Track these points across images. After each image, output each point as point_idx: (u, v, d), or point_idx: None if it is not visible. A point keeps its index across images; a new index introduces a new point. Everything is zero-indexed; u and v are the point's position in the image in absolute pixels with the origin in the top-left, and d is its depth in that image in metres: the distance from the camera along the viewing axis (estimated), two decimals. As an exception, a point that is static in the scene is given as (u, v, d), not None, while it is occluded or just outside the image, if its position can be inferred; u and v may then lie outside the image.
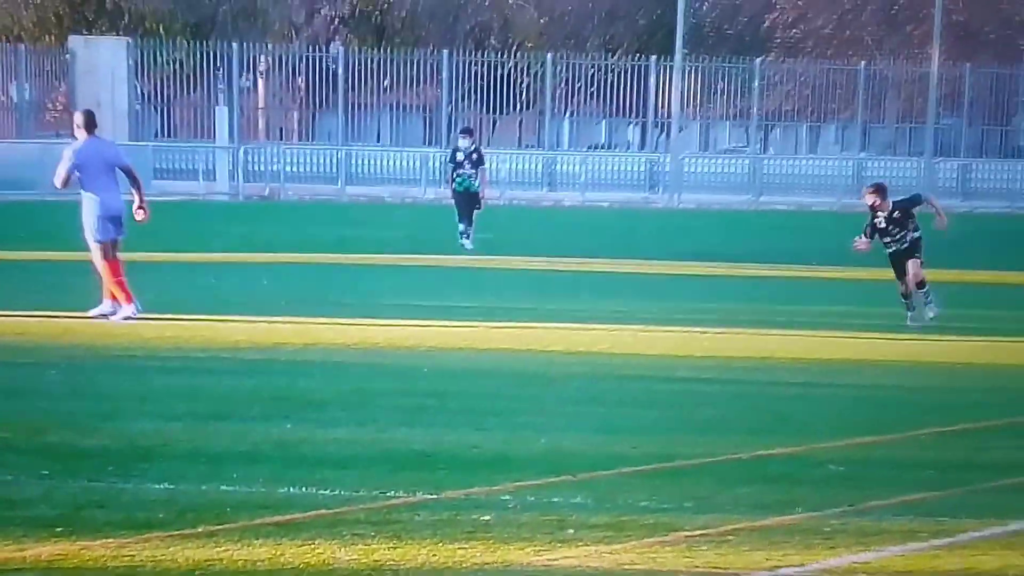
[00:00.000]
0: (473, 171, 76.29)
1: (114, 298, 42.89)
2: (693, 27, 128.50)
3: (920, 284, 44.97)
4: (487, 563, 19.55)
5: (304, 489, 23.40)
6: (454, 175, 77.38)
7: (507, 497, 22.97)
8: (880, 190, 46.03)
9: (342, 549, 20.14)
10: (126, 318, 42.70)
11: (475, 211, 76.09)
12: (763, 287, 59.22)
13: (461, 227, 75.07)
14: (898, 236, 44.74)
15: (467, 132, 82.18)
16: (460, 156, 77.56)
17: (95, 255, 43.20)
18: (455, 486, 23.59)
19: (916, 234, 45.63)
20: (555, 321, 45.87)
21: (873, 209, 44.90)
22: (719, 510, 22.43)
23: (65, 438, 27.25)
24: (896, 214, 43.97)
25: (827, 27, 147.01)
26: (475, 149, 78.62)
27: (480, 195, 76.67)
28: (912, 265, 44.64)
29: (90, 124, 44.06)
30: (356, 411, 30.78)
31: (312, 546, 20.27)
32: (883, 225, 44.07)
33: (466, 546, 20.25)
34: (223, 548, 20.11)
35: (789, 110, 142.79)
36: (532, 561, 19.70)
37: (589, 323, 45.74)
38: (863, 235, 45.99)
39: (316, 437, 27.62)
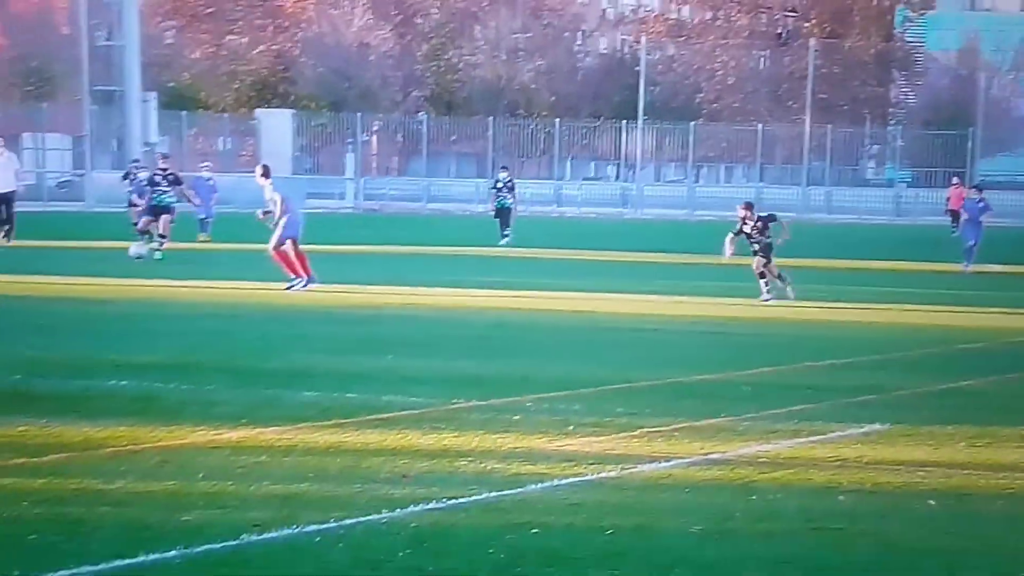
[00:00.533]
0: (508, 194, 76.66)
1: (296, 272, 42.21)
2: (649, 102, 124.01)
3: (762, 275, 43.79)
4: (516, 447, 19.44)
5: (399, 397, 23.22)
6: (496, 197, 77.63)
7: (529, 404, 22.93)
8: (749, 206, 45.94)
9: (422, 436, 20.05)
10: (304, 287, 41.97)
11: (509, 221, 75.95)
12: (693, 270, 57.91)
13: (502, 231, 74.74)
14: (756, 239, 44.33)
15: (504, 168, 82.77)
16: (500, 184, 78.25)
17: (289, 248, 42.88)
18: (496, 396, 23.45)
19: (768, 240, 44.77)
20: (561, 291, 45.91)
21: (743, 220, 44.77)
22: (669, 415, 22.15)
23: (248, 363, 27.36)
24: (758, 223, 44.05)
25: (735, 102, 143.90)
26: (510, 180, 78.77)
27: (512, 210, 76.91)
28: (760, 262, 44.03)
29: (267, 173, 44.28)
30: (431, 347, 30.69)
31: (403, 434, 20.15)
32: (748, 231, 44.20)
33: (504, 436, 20.14)
34: (347, 435, 20.01)
35: (712, 155, 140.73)
36: (545, 447, 19.56)
37: (584, 292, 45.60)
38: (732, 234, 45.14)
39: (406, 364, 27.45)
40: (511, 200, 77.01)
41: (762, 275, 43.81)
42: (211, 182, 69.45)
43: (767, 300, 43.12)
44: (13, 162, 63.08)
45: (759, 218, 45.36)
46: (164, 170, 56.73)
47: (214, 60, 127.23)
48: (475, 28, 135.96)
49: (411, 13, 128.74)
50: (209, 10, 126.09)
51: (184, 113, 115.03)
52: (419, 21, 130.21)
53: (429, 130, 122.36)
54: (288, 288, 42.39)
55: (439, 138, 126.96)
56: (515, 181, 79.93)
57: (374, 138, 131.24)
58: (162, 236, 54.24)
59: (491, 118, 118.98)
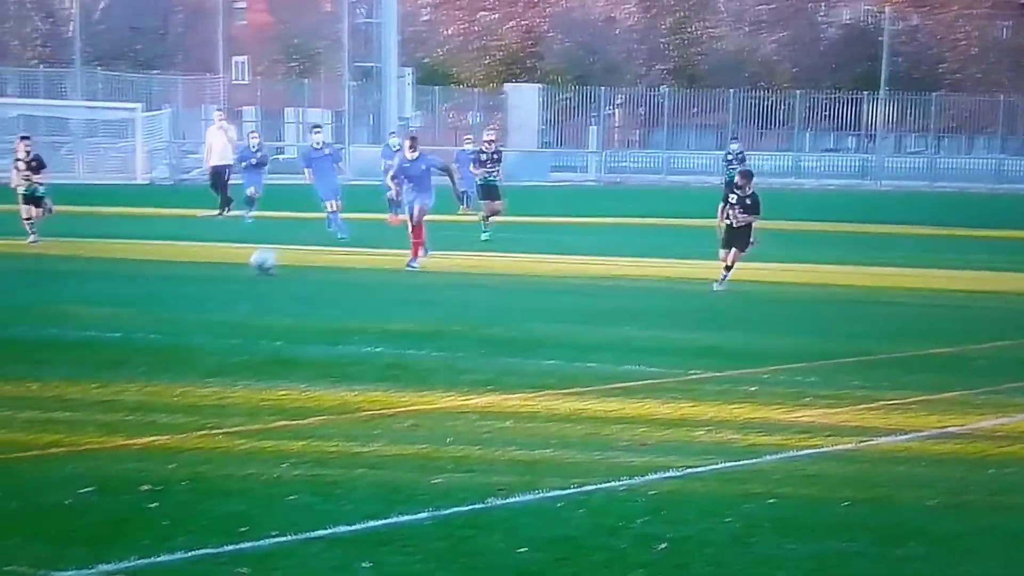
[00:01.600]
0: (738, 165, 66.88)
1: (417, 251, 39.91)
2: (891, 73, 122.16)
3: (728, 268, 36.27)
4: (752, 418, 19.47)
5: (637, 367, 23.30)
6: (727, 168, 73.56)
7: (765, 375, 23.03)
8: (748, 176, 38.50)
9: (660, 406, 20.05)
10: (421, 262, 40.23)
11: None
12: (934, 242, 56.55)
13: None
14: (741, 220, 36.60)
15: (735, 139, 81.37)
16: (730, 156, 75.46)
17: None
18: (732, 368, 23.58)
19: (748, 223, 37.11)
20: (795, 263, 44.95)
21: (737, 187, 38.17)
22: (905, 388, 22.30)
23: (492, 332, 27.60)
24: (748, 200, 36.76)
25: (978, 73, 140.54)
26: (741, 151, 76.21)
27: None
28: (735, 255, 36.30)
29: (413, 146, 41.79)
30: (668, 318, 30.68)
31: (641, 403, 20.20)
32: (734, 202, 36.85)
33: (740, 407, 20.18)
34: (587, 402, 20.07)
35: (954, 126, 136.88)
36: (781, 418, 19.63)
37: (818, 264, 44.93)
38: (723, 204, 37.89)
39: (643, 335, 27.50)
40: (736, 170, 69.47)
41: (727, 268, 36.37)
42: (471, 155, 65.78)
43: (719, 289, 35.90)
44: (229, 134, 63.16)
45: (752, 196, 37.93)
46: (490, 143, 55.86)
47: (466, 36, 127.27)
48: (718, 1, 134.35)
49: None
50: None
51: (437, 88, 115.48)
52: None
53: (671, 103, 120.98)
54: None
55: (680, 111, 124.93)
56: (748, 153, 78.79)
57: (617, 111, 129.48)
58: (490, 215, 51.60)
59: (731, 91, 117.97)
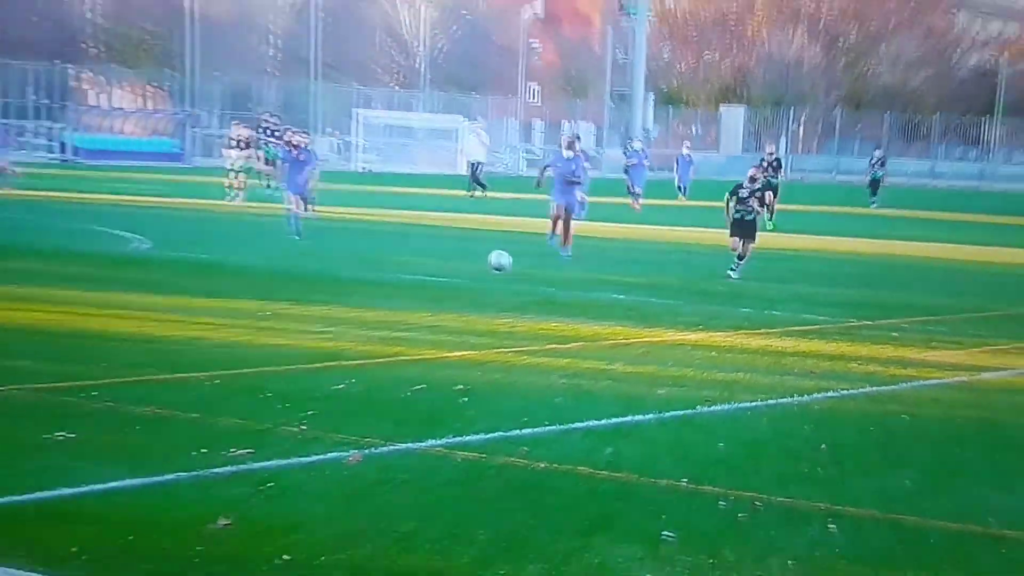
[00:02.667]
0: (879, 169, 62.90)
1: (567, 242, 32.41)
2: (1005, 102, 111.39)
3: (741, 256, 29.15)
4: (893, 356, 19.38)
5: (810, 315, 23.27)
6: (870, 170, 64.04)
7: (905, 325, 22.79)
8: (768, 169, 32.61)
9: (825, 345, 20.09)
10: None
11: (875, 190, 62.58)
12: None
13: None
14: (750, 208, 29.59)
15: (878, 147, 71.66)
16: (873, 160, 65.22)
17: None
18: (881, 318, 23.41)
19: (755, 214, 30.30)
20: (926, 241, 42.34)
21: (750, 179, 30.27)
22: (1016, 338, 22.09)
23: (702, 286, 27.59)
24: (757, 193, 30.16)
25: None
26: (882, 156, 65.99)
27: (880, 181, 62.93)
28: (746, 245, 29.17)
29: (571, 146, 34.33)
30: (834, 279, 30.48)
31: (811, 342, 20.22)
32: (744, 195, 29.58)
33: (884, 347, 20.13)
34: (772, 341, 20.21)
35: None
36: (914, 356, 19.54)
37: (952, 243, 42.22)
38: (728, 194, 30.58)
39: (815, 291, 27.55)
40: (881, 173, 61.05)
41: (738, 257, 29.59)
42: (689, 157, 64.83)
43: (733, 278, 29.02)
44: (482, 139, 62.36)
45: (762, 188, 31.67)
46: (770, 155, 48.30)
47: (695, 70, 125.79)
48: (880, 46, 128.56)
49: (835, 35, 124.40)
50: (695, 35, 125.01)
51: (670, 107, 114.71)
52: (840, 41, 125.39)
53: (841, 121, 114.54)
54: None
55: (848, 127, 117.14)
56: (895, 159, 74.56)
57: (801, 127, 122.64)
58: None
59: (886, 112, 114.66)
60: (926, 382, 17.44)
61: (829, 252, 38.21)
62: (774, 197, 41.62)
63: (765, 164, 42.47)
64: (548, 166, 35.04)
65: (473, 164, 60.52)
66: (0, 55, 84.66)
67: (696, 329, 21.19)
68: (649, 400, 15.21)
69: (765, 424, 14.59)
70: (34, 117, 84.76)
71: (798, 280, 29.87)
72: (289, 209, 34.36)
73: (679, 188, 60.71)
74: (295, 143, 36.02)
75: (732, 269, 28.93)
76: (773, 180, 42.50)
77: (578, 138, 40.18)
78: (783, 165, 45.00)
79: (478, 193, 58.30)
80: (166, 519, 9.93)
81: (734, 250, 28.96)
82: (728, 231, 29.61)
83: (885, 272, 33.38)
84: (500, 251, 25.77)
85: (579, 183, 34.06)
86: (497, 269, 25.68)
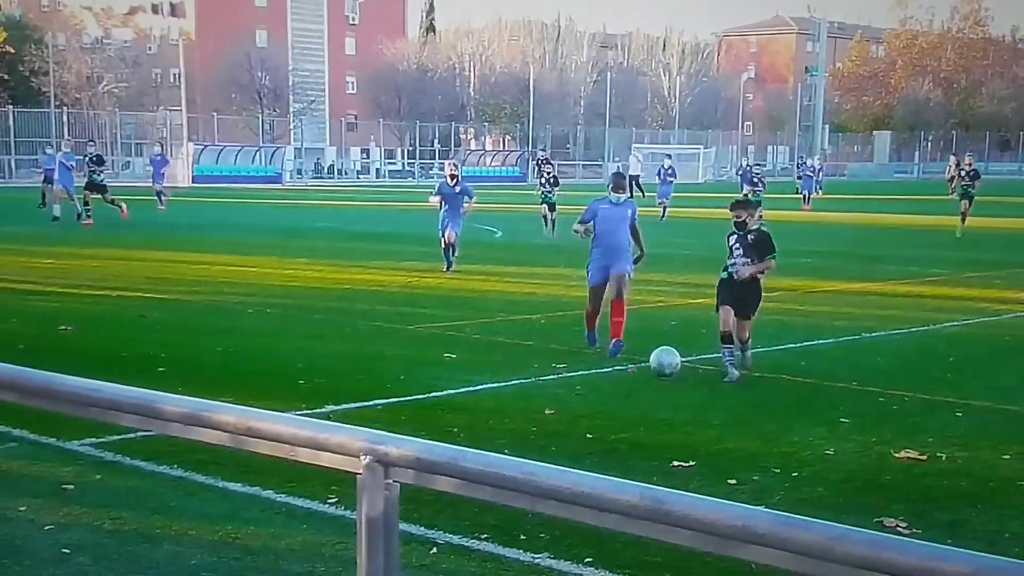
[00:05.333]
0: (968, 181, 46.44)
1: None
2: None
3: (727, 338, 11.73)
4: (982, 297, 18.42)
5: (935, 271, 22.16)
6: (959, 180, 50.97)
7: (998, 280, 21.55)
8: (743, 205, 12.54)
9: (950, 289, 19.11)
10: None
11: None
12: None
13: None
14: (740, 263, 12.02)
15: (970, 154, 54.89)
16: (962, 170, 48.82)
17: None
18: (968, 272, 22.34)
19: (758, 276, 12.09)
20: None
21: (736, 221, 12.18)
22: None
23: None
24: (750, 237, 12.08)
25: None
26: (973, 168, 48.28)
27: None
28: (743, 326, 11.93)
29: (618, 187, 14.17)
30: (951, 247, 29.32)
31: (940, 288, 19.23)
32: (731, 243, 12.25)
33: (988, 291, 19.07)
34: (913, 288, 19.39)
35: None
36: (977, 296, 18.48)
37: None
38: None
39: (936, 255, 26.32)
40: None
41: (727, 338, 11.72)
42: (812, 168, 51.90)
43: (733, 380, 11.42)
44: (639, 158, 59.60)
45: (758, 232, 12.14)
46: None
47: (855, 109, 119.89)
48: (981, 88, 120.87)
49: (951, 81, 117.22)
50: (855, 86, 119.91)
51: (839, 135, 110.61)
52: (954, 85, 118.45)
53: (952, 138, 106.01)
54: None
55: (956, 144, 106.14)
56: (990, 164, 64.95)
57: (928, 144, 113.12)
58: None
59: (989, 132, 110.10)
60: (1020, 314, 16.73)
61: (944, 226, 35.91)
62: (969, 205, 32.29)
63: (963, 173, 33.78)
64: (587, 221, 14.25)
65: (634, 176, 53.68)
66: (414, 120, 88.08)
67: (858, 281, 20.60)
68: (828, 329, 14.91)
69: (910, 344, 14.19)
70: (438, 158, 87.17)
71: (924, 246, 28.87)
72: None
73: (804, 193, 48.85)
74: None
75: (728, 366, 11.64)
76: (971, 190, 32.58)
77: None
78: (979, 174, 33.98)
79: (638, 195, 53.60)
80: (513, 409, 10.00)
81: (724, 331, 11.81)
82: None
83: (986, 239, 31.53)
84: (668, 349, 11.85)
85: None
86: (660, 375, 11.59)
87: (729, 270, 11.88)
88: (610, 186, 13.25)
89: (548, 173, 31.96)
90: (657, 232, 31.94)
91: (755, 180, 39.04)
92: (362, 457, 2.89)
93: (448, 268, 20.65)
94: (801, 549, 2.50)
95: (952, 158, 43.21)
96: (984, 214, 35.71)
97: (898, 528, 6.75)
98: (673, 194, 38.49)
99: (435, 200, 20.96)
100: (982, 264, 23.82)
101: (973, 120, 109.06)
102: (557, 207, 30.32)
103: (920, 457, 8.40)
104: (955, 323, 15.75)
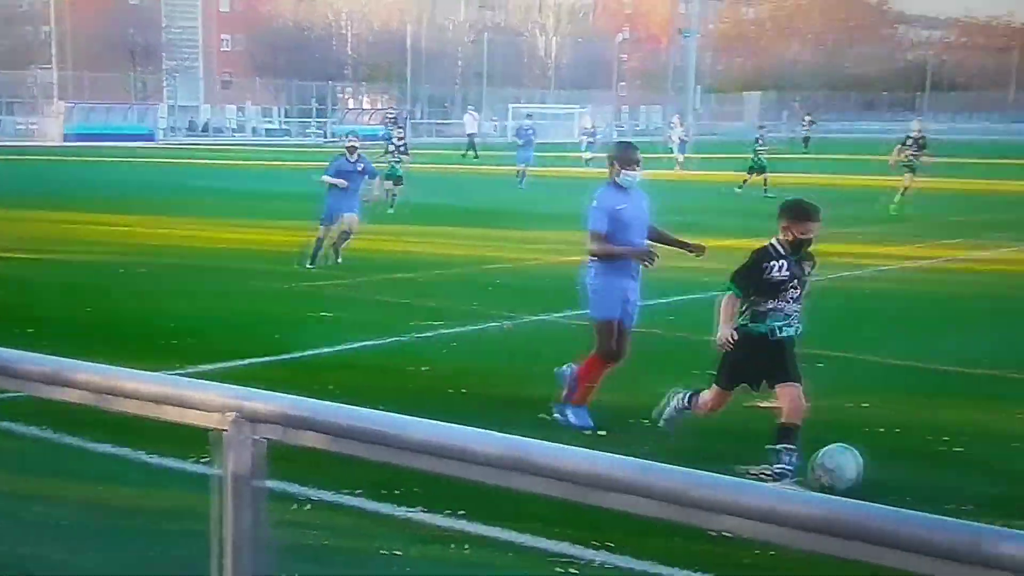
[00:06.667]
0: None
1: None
2: None
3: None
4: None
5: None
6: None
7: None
8: (803, 215, 7.18)
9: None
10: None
11: None
12: None
13: None
14: (791, 299, 7.16)
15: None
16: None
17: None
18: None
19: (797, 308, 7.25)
20: None
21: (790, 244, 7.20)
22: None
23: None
24: (804, 263, 7.35)
25: None
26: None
27: None
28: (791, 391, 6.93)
29: (630, 161, 8.32)
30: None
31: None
32: (781, 277, 7.09)
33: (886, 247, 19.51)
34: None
35: None
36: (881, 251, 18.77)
37: None
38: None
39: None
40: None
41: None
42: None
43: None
44: (474, 117, 57.65)
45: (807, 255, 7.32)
46: None
47: (727, 70, 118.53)
48: (847, 49, 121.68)
49: (818, 43, 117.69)
50: (726, 47, 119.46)
51: (711, 95, 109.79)
52: (822, 47, 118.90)
53: (819, 98, 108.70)
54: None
55: (824, 104, 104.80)
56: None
57: (798, 104, 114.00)
58: None
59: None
60: (880, 267, 16.93)
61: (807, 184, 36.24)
62: (912, 179, 27.02)
63: (910, 141, 27.58)
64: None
65: (471, 134, 53.67)
66: (291, 78, 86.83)
67: (730, 238, 20.70)
68: (699, 284, 14.87)
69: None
70: (315, 116, 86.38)
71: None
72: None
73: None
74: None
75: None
76: (915, 162, 27.10)
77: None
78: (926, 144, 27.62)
79: (470, 154, 51.04)
80: (390, 366, 9.98)
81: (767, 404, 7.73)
82: (720, 372, 7.54)
83: (848, 197, 30.56)
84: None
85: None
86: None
87: (774, 324, 7.12)
88: (616, 164, 8.23)
89: (398, 139, 26.43)
90: (521, 192, 32.05)
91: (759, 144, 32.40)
92: (228, 414, 2.85)
93: (313, 263, 16.04)
94: (661, 495, 2.55)
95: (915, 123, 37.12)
96: (849, 172, 35.98)
97: (761, 475, 6.85)
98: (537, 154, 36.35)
99: (332, 180, 16.15)
100: (843, 220, 24.03)
101: (840, 81, 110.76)
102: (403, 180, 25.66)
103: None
104: (815, 277, 15.84)
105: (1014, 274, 16.76)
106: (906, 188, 26.34)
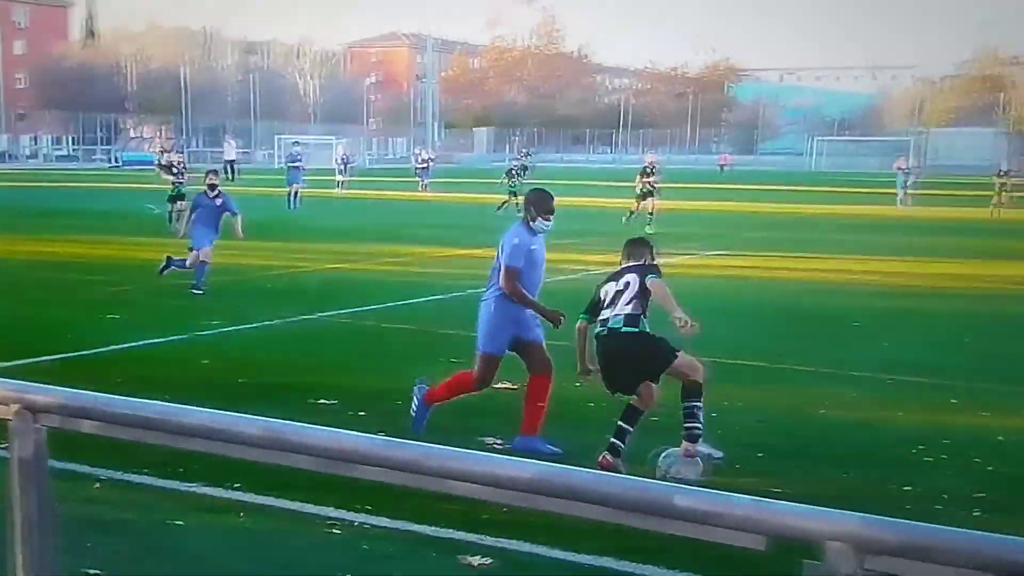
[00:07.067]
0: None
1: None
2: None
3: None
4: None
5: None
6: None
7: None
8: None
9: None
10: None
11: None
12: None
13: None
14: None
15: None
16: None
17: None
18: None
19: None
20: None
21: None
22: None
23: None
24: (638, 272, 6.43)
25: None
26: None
27: None
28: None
29: (548, 211, 7.43)
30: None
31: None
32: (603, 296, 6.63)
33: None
34: None
35: None
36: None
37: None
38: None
39: None
40: None
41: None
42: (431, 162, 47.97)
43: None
44: (232, 145, 54.45)
45: (646, 266, 6.47)
46: None
47: (464, 110, 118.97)
48: (558, 93, 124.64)
49: (533, 88, 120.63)
50: (458, 91, 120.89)
51: (448, 130, 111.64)
52: (537, 91, 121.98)
53: (536, 135, 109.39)
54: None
55: (541, 139, 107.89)
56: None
57: (518, 139, 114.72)
58: None
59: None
60: (593, 271, 17.12)
61: None
62: (652, 203, 25.80)
63: (647, 170, 26.01)
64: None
65: (230, 160, 50.10)
66: (79, 111, 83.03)
67: (458, 248, 20.78)
68: (440, 286, 14.86)
69: None
70: (101, 144, 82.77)
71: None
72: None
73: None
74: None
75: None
76: (652, 187, 25.84)
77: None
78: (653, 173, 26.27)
79: (228, 178, 45.85)
80: (173, 361, 9.56)
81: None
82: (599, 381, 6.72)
83: (572, 215, 32.11)
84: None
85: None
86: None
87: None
88: (532, 209, 7.45)
89: (178, 163, 23.97)
90: (295, 213, 31.37)
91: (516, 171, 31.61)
92: (11, 405, 2.74)
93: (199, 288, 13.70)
94: (399, 466, 2.59)
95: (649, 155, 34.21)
96: (570, 195, 36.66)
97: (495, 445, 6.86)
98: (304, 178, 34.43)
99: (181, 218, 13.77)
100: (564, 234, 24.28)
101: (553, 120, 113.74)
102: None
103: (513, 387, 8.62)
104: (547, 280, 16.05)
105: (695, 276, 17.41)
106: (652, 210, 25.31)
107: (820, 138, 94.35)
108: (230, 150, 53.36)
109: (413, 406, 7.32)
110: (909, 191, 36.03)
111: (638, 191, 25.79)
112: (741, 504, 2.57)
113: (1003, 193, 31.60)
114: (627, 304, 6.39)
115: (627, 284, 6.48)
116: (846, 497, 5.93)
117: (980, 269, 18.41)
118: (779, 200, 39.92)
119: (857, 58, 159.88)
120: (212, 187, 14.09)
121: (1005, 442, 7.36)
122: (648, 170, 25.93)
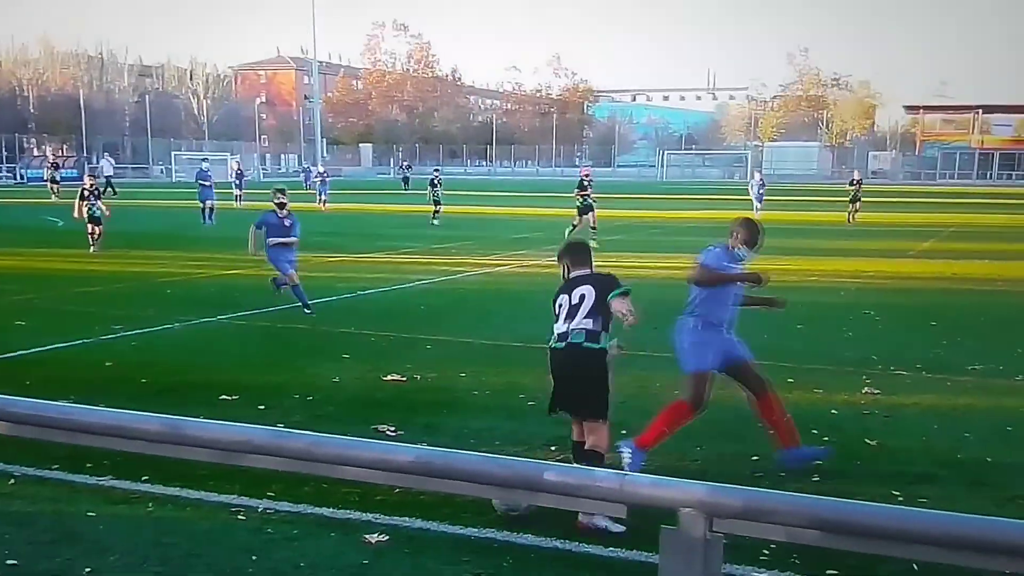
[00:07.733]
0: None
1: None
2: None
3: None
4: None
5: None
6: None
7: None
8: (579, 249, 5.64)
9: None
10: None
11: None
12: None
13: None
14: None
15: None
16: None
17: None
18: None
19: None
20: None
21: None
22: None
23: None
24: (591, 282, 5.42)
25: None
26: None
27: None
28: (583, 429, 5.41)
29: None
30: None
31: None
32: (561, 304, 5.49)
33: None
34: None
35: None
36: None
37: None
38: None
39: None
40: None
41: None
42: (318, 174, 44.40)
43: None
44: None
45: (603, 279, 5.44)
46: None
47: (347, 127, 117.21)
48: (435, 112, 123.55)
49: (412, 108, 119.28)
50: (344, 111, 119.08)
51: (335, 146, 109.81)
52: (416, 110, 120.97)
53: (416, 150, 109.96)
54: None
55: (420, 154, 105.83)
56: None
57: (400, 154, 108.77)
58: None
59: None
60: (468, 272, 17.01)
61: (407, 213, 36.24)
62: (591, 216, 23.39)
63: (585, 182, 23.67)
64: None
65: (108, 176, 48.40)
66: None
67: (355, 253, 20.49)
68: (335, 288, 14.64)
69: (393, 298, 13.88)
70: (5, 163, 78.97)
71: (402, 227, 29.12)
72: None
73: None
74: None
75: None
76: (588, 200, 23.34)
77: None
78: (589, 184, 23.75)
79: (109, 191, 43.00)
80: (78, 363, 9.22)
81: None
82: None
83: (453, 222, 30.27)
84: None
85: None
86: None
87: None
88: (739, 235, 6.41)
89: (91, 186, 21.31)
90: (186, 220, 30.48)
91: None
92: None
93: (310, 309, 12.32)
94: (291, 455, 2.67)
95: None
96: (453, 204, 36.65)
97: (387, 432, 6.79)
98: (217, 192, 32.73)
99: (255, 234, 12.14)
100: (445, 239, 24.18)
101: (431, 136, 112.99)
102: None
103: (402, 379, 8.59)
104: (425, 281, 15.91)
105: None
106: (593, 223, 23.15)
107: (668, 151, 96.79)
108: (108, 167, 53.34)
109: (626, 461, 5.89)
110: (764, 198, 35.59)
111: (578, 203, 23.55)
112: (604, 477, 2.66)
113: (858, 201, 31.35)
114: (586, 318, 5.37)
115: (582, 297, 5.44)
116: (703, 471, 6.09)
117: (822, 265, 18.71)
118: (632, 208, 40.56)
119: (699, 80, 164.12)
120: (281, 206, 12.28)
121: (838, 415, 7.62)
122: (584, 183, 23.55)
